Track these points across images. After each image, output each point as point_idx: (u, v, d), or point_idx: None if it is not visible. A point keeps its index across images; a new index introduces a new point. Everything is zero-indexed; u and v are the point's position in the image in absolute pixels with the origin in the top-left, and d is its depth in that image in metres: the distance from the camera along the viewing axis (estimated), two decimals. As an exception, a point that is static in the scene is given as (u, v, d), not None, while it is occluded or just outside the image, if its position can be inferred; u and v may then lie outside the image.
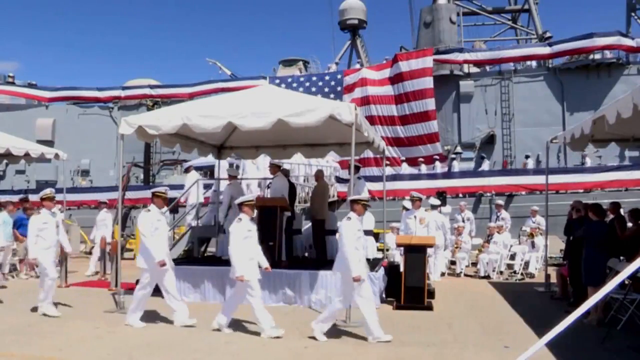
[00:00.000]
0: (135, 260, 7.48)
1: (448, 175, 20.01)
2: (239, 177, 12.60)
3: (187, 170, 15.75)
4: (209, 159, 15.24)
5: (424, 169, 21.50)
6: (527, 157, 22.20)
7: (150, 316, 7.82)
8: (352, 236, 6.57)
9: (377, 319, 6.51)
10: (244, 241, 6.78)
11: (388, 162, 21.31)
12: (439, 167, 21.41)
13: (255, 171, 13.99)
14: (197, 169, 19.11)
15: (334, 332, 6.92)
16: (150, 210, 7.36)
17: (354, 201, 6.94)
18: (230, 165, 14.89)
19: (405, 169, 21.90)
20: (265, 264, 7.07)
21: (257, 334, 6.80)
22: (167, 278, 7.36)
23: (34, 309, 8.09)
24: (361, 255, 6.72)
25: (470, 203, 17.68)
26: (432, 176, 19.75)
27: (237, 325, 7.11)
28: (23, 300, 8.68)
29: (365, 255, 10.16)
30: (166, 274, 7.33)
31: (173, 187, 19.12)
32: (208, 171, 18.64)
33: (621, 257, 8.05)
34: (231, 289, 7.65)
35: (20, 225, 12.08)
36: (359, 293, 6.49)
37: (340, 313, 6.96)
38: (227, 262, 9.79)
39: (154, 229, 7.22)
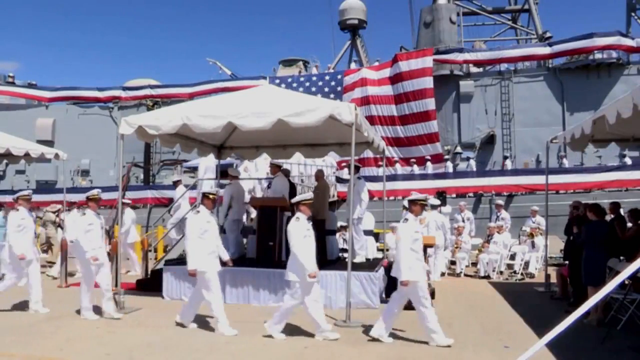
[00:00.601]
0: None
1: (448, 175, 20.03)
2: (239, 177, 12.59)
3: (175, 184, 15.78)
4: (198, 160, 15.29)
5: (416, 169, 21.54)
6: (505, 157, 22.21)
7: (151, 316, 7.83)
8: (409, 238, 6.38)
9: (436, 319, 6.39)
10: (303, 240, 6.59)
11: (381, 163, 21.38)
12: (431, 168, 21.44)
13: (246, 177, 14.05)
14: (193, 169, 19.17)
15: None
16: (200, 212, 7.15)
17: (412, 202, 6.72)
18: (230, 165, 14.90)
19: (398, 169, 21.95)
20: (317, 269, 6.88)
21: (258, 334, 6.81)
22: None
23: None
24: (419, 257, 6.52)
25: (470, 203, 17.69)
26: (433, 176, 19.77)
27: (236, 325, 7.09)
28: (23, 300, 8.65)
29: (366, 255, 10.24)
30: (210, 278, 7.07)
31: (173, 187, 19.13)
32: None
33: (621, 257, 8.05)
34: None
35: None
36: (418, 298, 6.32)
37: (340, 312, 6.93)
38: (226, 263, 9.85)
39: (203, 232, 6.99)
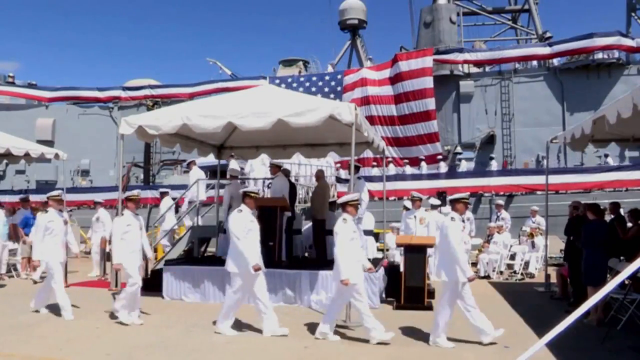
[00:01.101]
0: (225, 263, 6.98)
1: (449, 175, 20.03)
2: (239, 177, 12.61)
3: (162, 196, 15.78)
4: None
5: (408, 169, 21.51)
6: (491, 158, 22.22)
7: (151, 316, 7.84)
8: (459, 237, 6.31)
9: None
10: (350, 243, 6.46)
11: (375, 163, 21.34)
12: (425, 169, 21.42)
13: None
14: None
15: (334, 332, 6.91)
16: (242, 211, 6.92)
17: (455, 200, 6.58)
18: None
19: (391, 169, 21.92)
20: (369, 265, 6.82)
21: (258, 333, 6.80)
22: (258, 283, 6.82)
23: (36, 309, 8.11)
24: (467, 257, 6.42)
25: (470, 203, 17.67)
26: (433, 176, 19.77)
27: (236, 325, 7.09)
28: (23, 300, 8.66)
29: (366, 255, 10.24)
30: (257, 278, 6.80)
31: (173, 187, 19.17)
32: (209, 171, 18.68)
33: (621, 257, 8.05)
34: (333, 293, 7.07)
35: (26, 225, 12.03)
36: (465, 296, 6.25)
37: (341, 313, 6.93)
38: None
39: (247, 231, 6.79)
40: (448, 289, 6.36)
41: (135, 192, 7.92)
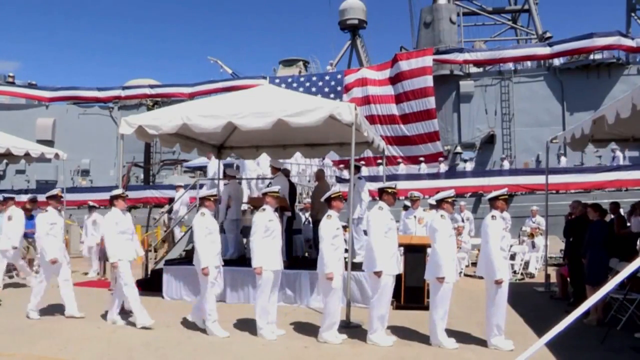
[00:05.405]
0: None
1: (449, 175, 20.02)
2: (237, 176, 12.58)
3: (177, 188, 15.76)
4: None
5: (402, 169, 21.43)
6: (502, 159, 22.18)
7: (151, 316, 7.82)
8: (499, 236, 6.18)
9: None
10: (388, 232, 6.41)
11: (363, 163, 21.22)
12: (424, 169, 21.39)
13: (256, 167, 13.96)
14: (195, 169, 19.12)
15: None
16: (265, 210, 6.85)
17: (494, 199, 6.41)
18: (230, 165, 14.89)
19: (381, 169, 21.81)
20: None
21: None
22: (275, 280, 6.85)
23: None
24: (506, 255, 6.39)
25: (470, 203, 17.69)
26: (433, 176, 19.77)
27: (237, 325, 7.10)
28: (23, 300, 8.65)
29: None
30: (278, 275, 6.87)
31: (172, 187, 19.12)
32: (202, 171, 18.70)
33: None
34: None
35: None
36: (499, 297, 6.22)
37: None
38: (227, 263, 9.85)
39: (265, 230, 6.71)
40: (496, 289, 6.27)
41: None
